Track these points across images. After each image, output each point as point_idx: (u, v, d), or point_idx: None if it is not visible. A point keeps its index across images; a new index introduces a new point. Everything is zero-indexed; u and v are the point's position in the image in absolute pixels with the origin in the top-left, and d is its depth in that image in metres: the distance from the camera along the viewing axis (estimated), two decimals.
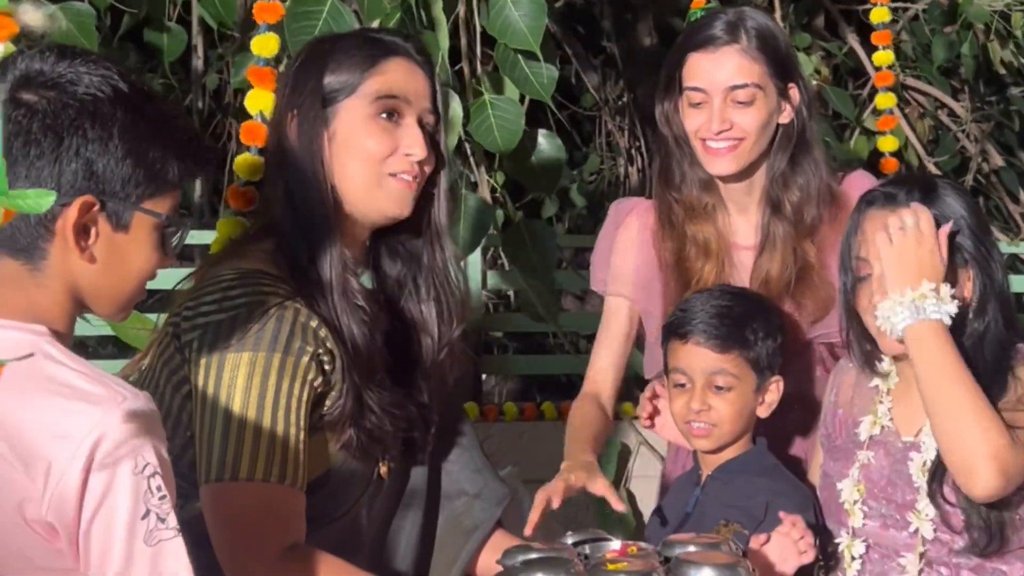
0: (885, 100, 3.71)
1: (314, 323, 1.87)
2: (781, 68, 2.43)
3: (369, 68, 1.97)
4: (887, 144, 3.65)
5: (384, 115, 1.96)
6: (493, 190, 3.90)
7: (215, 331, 1.84)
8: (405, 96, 1.98)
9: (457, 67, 3.45)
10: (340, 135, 1.97)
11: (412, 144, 1.97)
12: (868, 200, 2.18)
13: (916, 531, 2.13)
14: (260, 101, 2.28)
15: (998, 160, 5.54)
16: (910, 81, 5.42)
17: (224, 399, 1.82)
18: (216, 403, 1.83)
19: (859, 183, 2.49)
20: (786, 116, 2.45)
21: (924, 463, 2.15)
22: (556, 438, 4.13)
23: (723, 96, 2.38)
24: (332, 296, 1.92)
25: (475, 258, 4.28)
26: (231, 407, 1.82)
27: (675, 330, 2.32)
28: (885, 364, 2.25)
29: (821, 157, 2.48)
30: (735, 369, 2.28)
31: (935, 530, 2.13)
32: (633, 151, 5.94)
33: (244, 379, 1.82)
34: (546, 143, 3.39)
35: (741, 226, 2.51)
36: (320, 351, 1.87)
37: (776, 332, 2.33)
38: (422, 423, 2.08)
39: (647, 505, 3.66)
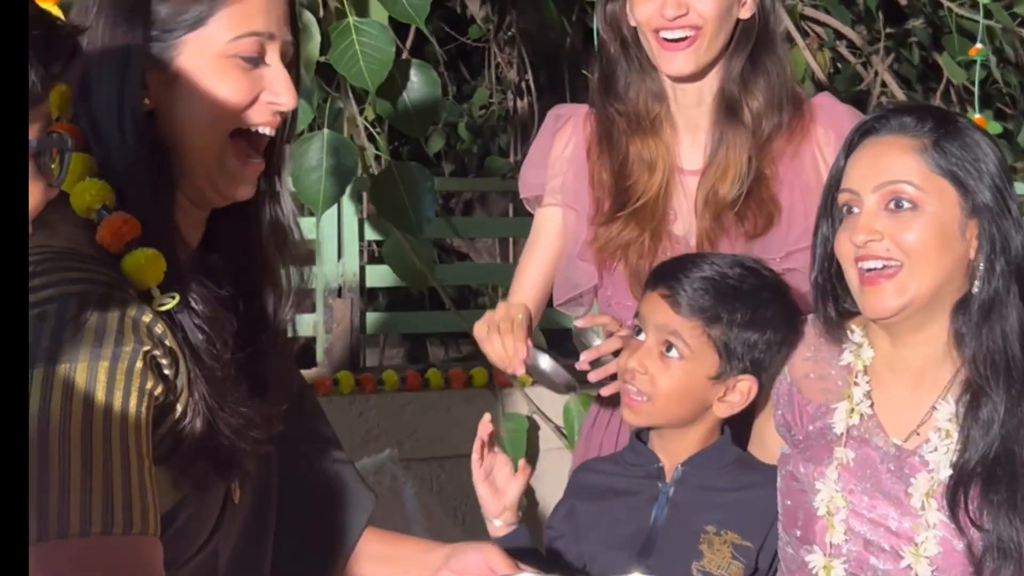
0: None
1: (147, 317, 1.41)
2: None
3: None
4: None
5: (243, 59, 1.50)
6: (373, 124, 3.52)
7: None
8: (269, 30, 1.51)
9: None
10: (183, 82, 1.49)
11: (280, 90, 1.52)
12: (867, 128, 1.84)
13: (909, 568, 1.77)
14: None
15: (899, 93, 5.37)
16: (808, 11, 5.21)
17: (36, 431, 1.35)
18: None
19: (826, 103, 2.23)
20: (747, 10, 2.17)
21: (933, 486, 1.78)
22: (444, 410, 3.79)
23: None
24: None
25: (348, 206, 3.87)
26: (48, 440, 1.35)
27: (652, 276, 2.04)
28: (856, 335, 1.90)
29: (786, 57, 2.21)
30: (691, 339, 1.95)
31: (933, 570, 1.77)
32: (523, 84, 5.68)
33: (60, 401, 1.35)
34: (420, 77, 3.01)
35: (688, 148, 2.24)
36: (157, 352, 1.42)
37: (775, 331, 1.96)
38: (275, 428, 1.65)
39: (547, 492, 3.26)
